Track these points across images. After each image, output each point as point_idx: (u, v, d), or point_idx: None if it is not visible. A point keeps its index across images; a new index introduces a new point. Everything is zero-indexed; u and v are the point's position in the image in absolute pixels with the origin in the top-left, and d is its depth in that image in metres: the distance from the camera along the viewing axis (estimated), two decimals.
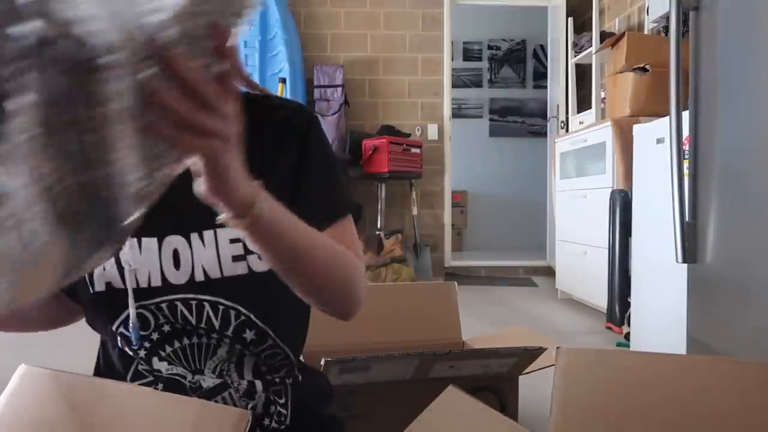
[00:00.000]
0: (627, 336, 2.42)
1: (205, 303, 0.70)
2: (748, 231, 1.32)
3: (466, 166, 6.32)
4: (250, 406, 0.75)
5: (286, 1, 4.40)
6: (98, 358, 0.83)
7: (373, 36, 4.67)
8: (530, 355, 1.25)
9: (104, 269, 0.70)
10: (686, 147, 1.56)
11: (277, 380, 0.79)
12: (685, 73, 1.55)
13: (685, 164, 1.55)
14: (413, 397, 1.29)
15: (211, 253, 0.70)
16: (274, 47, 4.18)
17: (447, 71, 4.73)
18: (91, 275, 0.71)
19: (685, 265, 1.58)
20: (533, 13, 5.57)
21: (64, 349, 2.41)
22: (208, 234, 0.70)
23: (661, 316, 1.90)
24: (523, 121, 6.72)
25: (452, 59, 4.93)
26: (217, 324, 0.71)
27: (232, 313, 0.72)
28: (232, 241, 0.70)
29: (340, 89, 4.43)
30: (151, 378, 0.74)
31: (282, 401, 0.79)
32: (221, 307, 0.71)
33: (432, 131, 4.74)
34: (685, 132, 1.56)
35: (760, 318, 1.27)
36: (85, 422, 0.51)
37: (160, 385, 0.73)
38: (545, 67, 5.73)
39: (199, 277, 0.70)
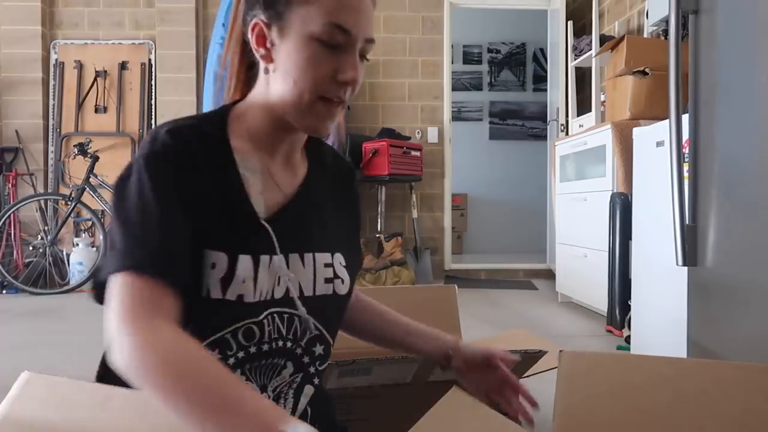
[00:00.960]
0: (627, 339, 2.42)
1: (295, 317, 0.78)
2: (748, 234, 1.33)
3: (466, 169, 6.32)
4: None
5: None
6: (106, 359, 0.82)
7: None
8: (531, 358, 1.25)
9: (243, 282, 0.72)
10: (686, 150, 1.56)
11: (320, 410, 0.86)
12: (684, 77, 1.55)
13: (685, 167, 1.56)
14: (413, 400, 1.29)
15: (309, 273, 0.80)
16: None
17: (447, 74, 4.74)
18: (227, 282, 0.71)
19: (686, 268, 1.58)
20: (533, 17, 5.58)
21: (65, 353, 2.41)
22: (308, 257, 0.80)
23: (662, 319, 1.90)
24: (523, 124, 6.73)
25: (452, 62, 4.94)
26: (298, 333, 0.79)
27: (312, 325, 0.80)
28: (326, 265, 0.82)
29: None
30: None
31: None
32: (303, 319, 0.79)
33: (432, 134, 4.75)
34: (685, 135, 1.56)
35: (761, 321, 1.27)
36: (87, 429, 0.51)
37: None
38: (545, 71, 5.73)
39: (294, 293, 0.78)
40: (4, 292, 3.98)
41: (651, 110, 2.89)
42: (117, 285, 0.64)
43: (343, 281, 0.83)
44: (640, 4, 3.85)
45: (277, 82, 0.76)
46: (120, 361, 0.58)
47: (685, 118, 1.56)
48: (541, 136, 5.97)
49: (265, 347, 0.76)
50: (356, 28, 0.73)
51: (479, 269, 4.89)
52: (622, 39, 3.06)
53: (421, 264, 4.45)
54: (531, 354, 1.23)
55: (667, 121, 1.59)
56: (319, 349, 0.81)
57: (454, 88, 5.56)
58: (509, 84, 6.75)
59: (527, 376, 1.35)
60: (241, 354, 0.75)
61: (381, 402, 1.26)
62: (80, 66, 4.57)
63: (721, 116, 1.43)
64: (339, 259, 0.84)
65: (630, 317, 2.32)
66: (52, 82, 4.58)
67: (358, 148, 4.31)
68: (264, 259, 0.75)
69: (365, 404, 1.26)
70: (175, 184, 0.70)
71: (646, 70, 2.92)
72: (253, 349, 0.75)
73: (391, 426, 1.27)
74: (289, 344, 0.79)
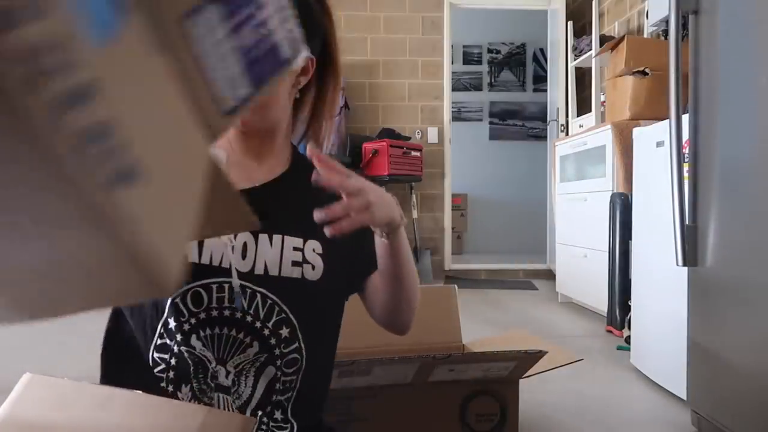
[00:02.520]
0: (627, 339, 2.42)
1: (258, 293, 0.80)
2: (748, 234, 1.33)
3: (466, 170, 6.32)
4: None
5: None
6: (108, 339, 0.86)
7: (373, 39, 4.68)
8: (531, 358, 1.25)
9: (213, 245, 0.77)
10: (686, 150, 1.56)
11: (282, 395, 0.85)
12: (684, 77, 1.55)
13: (685, 167, 1.56)
14: (413, 400, 1.29)
15: (276, 253, 0.82)
16: None
17: (447, 74, 4.74)
18: (201, 245, 0.77)
19: (686, 268, 1.58)
20: (533, 17, 5.58)
21: (65, 354, 2.41)
22: (276, 237, 0.82)
23: (662, 320, 1.90)
24: (523, 125, 6.73)
25: (452, 63, 4.94)
26: (261, 314, 0.81)
27: (276, 308, 0.82)
28: (295, 249, 0.83)
29: (340, 92, 4.43)
30: (163, 366, 0.80)
31: (280, 416, 0.85)
32: (269, 301, 0.81)
33: (432, 134, 4.75)
34: (685, 135, 1.56)
35: (761, 320, 1.27)
36: (88, 429, 0.52)
37: (173, 361, 0.79)
38: (545, 71, 5.73)
39: (259, 270, 0.80)
40: None
41: (651, 110, 2.89)
42: None
43: (313, 267, 0.84)
44: (640, 4, 3.86)
45: None
46: None
47: (685, 118, 1.56)
48: (541, 137, 5.97)
49: (214, 313, 0.79)
50: None
51: (479, 269, 4.89)
52: (622, 39, 3.06)
53: (421, 264, 4.45)
54: (531, 354, 1.23)
55: (667, 121, 1.59)
56: (285, 332, 0.82)
57: (454, 89, 5.56)
58: (509, 84, 6.75)
59: (527, 377, 1.35)
60: (193, 320, 0.78)
61: (381, 402, 1.26)
62: None
63: (721, 116, 1.43)
64: (313, 245, 0.85)
65: (630, 317, 2.32)
66: None
67: (358, 148, 4.31)
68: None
69: (365, 404, 1.26)
70: None
71: (646, 70, 2.92)
72: (202, 315, 0.78)
73: (392, 425, 1.28)
74: (256, 323, 0.81)
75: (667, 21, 2.09)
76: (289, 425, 0.86)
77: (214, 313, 0.79)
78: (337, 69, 0.94)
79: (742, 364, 1.35)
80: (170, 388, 0.79)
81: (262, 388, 0.82)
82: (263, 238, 0.82)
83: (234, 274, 0.78)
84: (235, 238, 0.79)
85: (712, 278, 1.48)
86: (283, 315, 0.83)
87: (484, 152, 6.69)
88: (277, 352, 0.83)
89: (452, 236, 4.96)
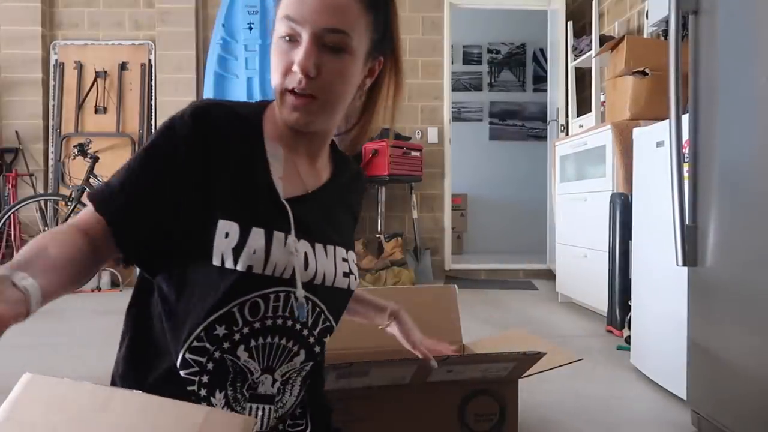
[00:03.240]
0: (627, 339, 2.42)
1: (311, 302, 0.82)
2: (748, 234, 1.33)
3: (466, 170, 6.32)
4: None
5: None
6: (130, 342, 0.82)
7: None
8: (529, 359, 1.25)
9: (254, 252, 0.75)
10: (686, 150, 1.56)
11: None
12: (684, 77, 1.55)
13: (685, 167, 1.56)
14: (412, 401, 1.29)
15: (331, 263, 0.84)
16: None
17: (447, 75, 4.74)
18: (238, 252, 0.75)
19: (686, 268, 1.58)
20: (533, 17, 5.58)
21: (66, 354, 2.41)
22: (330, 248, 0.85)
23: (662, 320, 1.90)
24: (523, 125, 6.73)
25: (452, 63, 4.94)
26: (310, 322, 0.82)
27: (323, 316, 0.84)
28: (343, 260, 0.86)
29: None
30: (196, 368, 0.77)
31: (299, 411, 0.88)
32: (318, 309, 0.83)
33: (432, 134, 4.75)
34: (685, 135, 1.56)
35: (761, 320, 1.27)
36: (90, 430, 0.51)
37: (210, 366, 0.77)
38: (545, 71, 5.73)
39: (318, 280, 0.82)
40: None
41: (651, 110, 2.89)
42: (86, 208, 0.77)
43: (356, 278, 0.88)
44: (640, 4, 3.86)
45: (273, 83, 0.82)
46: None
47: (685, 118, 1.56)
48: (541, 137, 5.97)
49: (269, 322, 0.78)
50: (302, 16, 0.75)
51: (479, 269, 4.89)
52: (622, 39, 3.06)
53: (421, 264, 4.45)
54: (529, 356, 1.23)
55: (667, 121, 1.59)
56: (326, 339, 0.86)
57: (454, 89, 5.56)
58: (509, 84, 6.75)
59: (527, 376, 1.35)
60: (246, 330, 0.77)
61: (379, 402, 1.26)
62: (80, 66, 4.57)
63: (721, 116, 1.43)
64: (352, 256, 0.89)
65: (630, 317, 2.32)
66: (52, 83, 4.58)
67: None
68: (278, 235, 0.77)
69: (364, 405, 1.26)
70: (173, 157, 0.76)
71: (646, 70, 2.92)
72: (257, 324, 0.78)
73: (391, 425, 1.28)
74: (303, 331, 0.82)
75: (667, 21, 2.09)
76: (304, 421, 0.89)
77: (269, 322, 0.78)
78: (401, 70, 0.94)
79: (742, 364, 1.35)
80: (203, 392, 0.77)
81: (302, 392, 0.85)
82: (319, 248, 0.83)
83: (299, 284, 0.78)
84: (296, 250, 0.79)
85: (712, 278, 1.48)
86: (328, 323, 0.85)
87: (484, 152, 6.69)
88: (319, 359, 0.86)
89: (452, 236, 4.96)
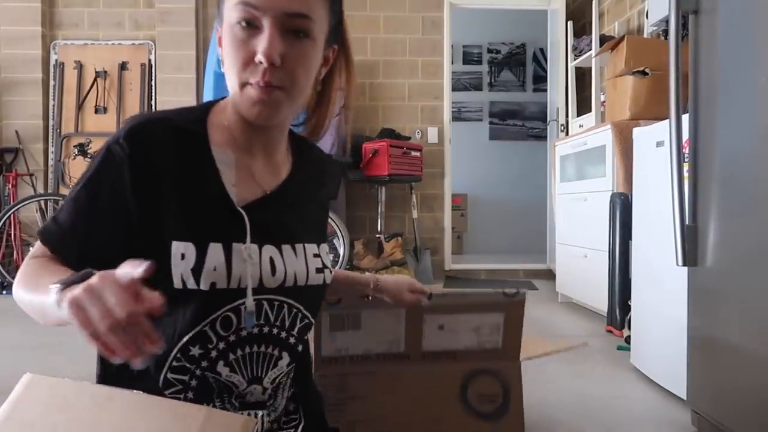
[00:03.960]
0: (627, 339, 2.42)
1: (285, 305, 0.80)
2: (748, 234, 1.33)
3: (466, 170, 6.32)
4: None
5: None
6: (104, 362, 0.81)
7: (373, 39, 4.68)
8: (515, 305, 1.27)
9: (214, 269, 0.72)
10: (686, 150, 1.56)
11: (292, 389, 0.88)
12: (684, 77, 1.55)
13: (685, 167, 1.56)
14: (412, 378, 1.29)
15: (301, 263, 0.81)
16: None
17: (447, 74, 4.74)
18: (198, 272, 0.72)
19: (686, 268, 1.58)
20: (533, 17, 5.58)
21: (66, 354, 2.41)
22: (299, 247, 0.81)
23: (662, 319, 1.90)
24: (523, 125, 6.73)
25: (452, 62, 4.94)
26: (287, 323, 0.80)
27: (299, 315, 0.82)
28: (315, 255, 0.83)
29: (340, 92, 4.43)
30: (180, 387, 0.76)
31: (292, 407, 0.88)
32: (294, 310, 0.81)
33: (432, 134, 4.75)
34: (685, 135, 1.56)
35: (761, 320, 1.27)
36: (90, 430, 0.52)
37: (194, 383, 0.76)
38: (545, 71, 5.73)
39: (290, 283, 0.79)
40: (4, 292, 3.98)
41: (651, 110, 2.89)
42: (36, 244, 0.76)
43: (331, 270, 0.86)
44: (640, 4, 3.86)
45: (227, 75, 0.77)
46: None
47: (685, 118, 1.56)
48: (541, 136, 5.97)
49: (243, 333, 0.76)
50: (263, 2, 0.70)
51: (479, 269, 4.88)
52: (622, 39, 3.06)
53: (421, 264, 4.45)
54: (509, 295, 1.25)
55: (667, 121, 1.59)
56: (307, 336, 0.85)
57: (454, 89, 5.56)
58: (509, 84, 6.74)
59: (529, 359, 1.35)
60: (221, 345, 0.75)
61: (377, 380, 1.26)
62: (80, 66, 4.57)
63: (721, 116, 1.43)
64: (325, 249, 0.87)
65: (630, 317, 2.32)
66: (52, 83, 4.58)
67: (358, 148, 4.31)
68: (238, 247, 0.74)
69: (361, 382, 1.26)
70: (118, 184, 0.72)
71: (646, 70, 2.92)
72: (232, 338, 0.76)
73: (387, 402, 1.27)
74: (281, 333, 0.80)
75: (667, 21, 2.09)
76: (298, 415, 0.88)
77: (243, 333, 0.77)
78: (352, 59, 0.90)
79: (742, 363, 1.35)
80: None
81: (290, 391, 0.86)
82: (287, 249, 0.80)
83: (249, 293, 0.75)
84: (250, 256, 0.76)
85: (712, 278, 1.48)
86: (306, 321, 0.84)
87: (484, 152, 6.68)
88: (302, 358, 0.86)
89: (452, 236, 4.96)
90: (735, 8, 1.38)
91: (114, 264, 0.64)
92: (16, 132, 4.47)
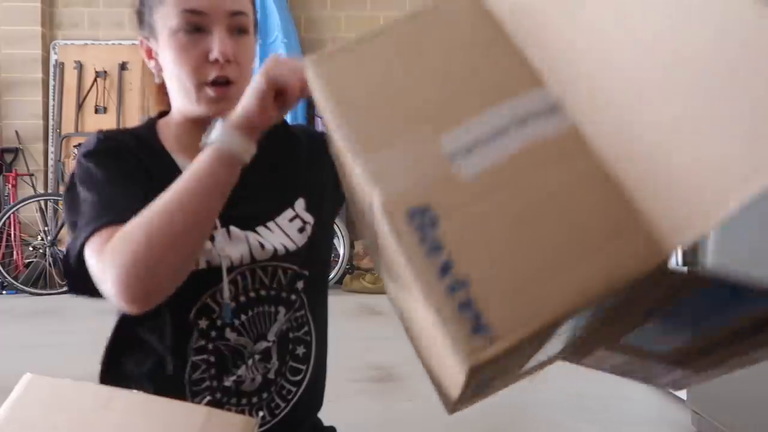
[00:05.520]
0: None
1: (279, 268, 0.82)
2: (748, 233, 1.33)
3: None
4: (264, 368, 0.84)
5: (286, 5, 4.41)
6: (114, 343, 0.84)
7: None
8: None
9: (209, 249, 0.76)
10: None
11: (299, 350, 0.87)
12: None
13: None
14: None
15: (280, 235, 0.82)
16: (275, 51, 4.19)
17: None
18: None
19: (685, 268, 1.58)
20: None
21: (66, 354, 2.41)
22: (272, 224, 0.83)
23: None
24: None
25: None
26: (285, 282, 0.83)
27: (294, 273, 0.84)
28: (291, 219, 0.84)
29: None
30: (204, 366, 0.79)
31: (295, 380, 0.87)
32: (290, 271, 0.84)
33: None
34: None
35: None
36: (90, 430, 0.52)
37: (212, 359, 0.79)
38: None
39: (281, 252, 0.81)
40: (4, 292, 3.98)
41: None
42: (92, 243, 0.66)
43: (311, 223, 0.86)
44: None
45: (170, 85, 0.81)
46: (108, 276, 0.62)
47: None
48: None
49: (242, 299, 0.80)
50: (210, 7, 0.75)
51: None
52: None
53: None
54: None
55: None
56: (300, 285, 0.85)
57: None
58: None
59: None
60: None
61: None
62: (80, 66, 4.57)
63: None
64: (301, 204, 0.86)
65: None
66: (52, 83, 4.58)
67: None
68: (221, 230, 0.78)
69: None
70: (118, 168, 0.76)
71: None
72: (233, 305, 0.80)
73: None
74: (282, 294, 0.83)
75: None
76: (306, 364, 0.87)
77: (242, 299, 0.80)
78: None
79: None
80: (215, 384, 0.80)
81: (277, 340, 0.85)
82: (263, 229, 0.82)
83: (225, 286, 0.77)
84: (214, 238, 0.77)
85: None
86: (303, 274, 0.86)
87: None
88: (297, 305, 0.86)
89: None
90: None
91: None
92: (16, 132, 4.47)
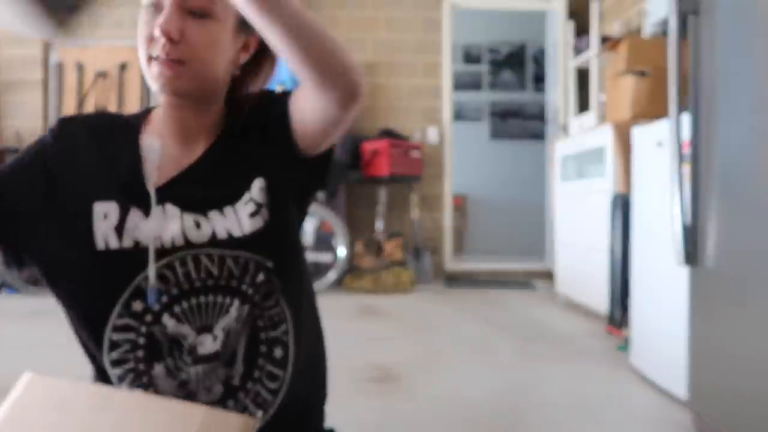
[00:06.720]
0: (627, 339, 2.42)
1: (227, 257, 0.79)
2: (748, 233, 1.33)
3: (466, 170, 6.32)
4: (226, 375, 0.81)
5: None
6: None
7: (373, 39, 4.68)
8: None
9: (135, 226, 0.78)
10: (686, 150, 1.56)
11: (276, 352, 0.83)
12: (684, 77, 1.55)
13: (685, 167, 1.56)
14: None
15: (231, 220, 0.80)
16: None
17: (447, 74, 4.74)
18: (120, 230, 0.78)
19: (686, 268, 1.58)
20: (533, 17, 5.58)
21: (66, 354, 2.41)
22: (227, 209, 0.81)
23: (662, 319, 1.90)
24: (524, 125, 6.73)
25: (452, 62, 4.94)
26: (237, 273, 0.80)
27: (250, 263, 0.80)
28: (246, 203, 0.81)
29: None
30: (127, 347, 0.78)
31: (272, 386, 0.82)
32: (242, 259, 0.80)
33: (432, 134, 4.75)
34: (686, 135, 1.56)
35: (761, 320, 1.27)
36: (89, 430, 0.52)
37: (141, 341, 0.78)
38: (545, 71, 5.73)
39: (222, 236, 0.79)
40: (4, 292, 3.98)
41: (651, 110, 2.89)
42: None
43: (267, 206, 0.82)
44: (640, 4, 3.85)
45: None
46: None
47: (685, 118, 1.56)
48: (542, 137, 5.97)
49: (186, 286, 0.78)
50: None
51: (479, 270, 4.89)
52: (622, 39, 3.06)
53: (421, 264, 4.45)
54: None
55: (667, 121, 1.59)
56: (260, 277, 0.81)
57: (455, 89, 5.56)
58: (509, 84, 6.74)
59: None
60: (164, 298, 0.78)
61: None
62: (80, 67, 4.57)
63: (722, 116, 1.43)
64: (259, 184, 0.83)
65: (630, 317, 2.32)
66: (52, 83, 4.58)
67: (358, 148, 4.31)
68: (157, 210, 0.79)
69: None
70: (28, 154, 0.83)
71: (646, 70, 2.92)
72: (174, 291, 0.78)
73: None
74: (232, 282, 0.80)
75: (667, 21, 2.09)
76: (283, 371, 0.82)
77: (186, 286, 0.78)
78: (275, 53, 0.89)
79: (742, 363, 1.35)
80: (141, 366, 0.78)
81: (246, 333, 0.81)
82: (214, 214, 0.81)
83: (151, 267, 0.77)
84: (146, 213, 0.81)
85: (713, 278, 1.48)
86: (257, 263, 0.81)
87: (485, 152, 6.68)
88: (257, 299, 0.81)
89: (452, 236, 4.96)
90: (735, 8, 1.38)
91: (28, 219, 0.79)
92: (17, 132, 4.47)
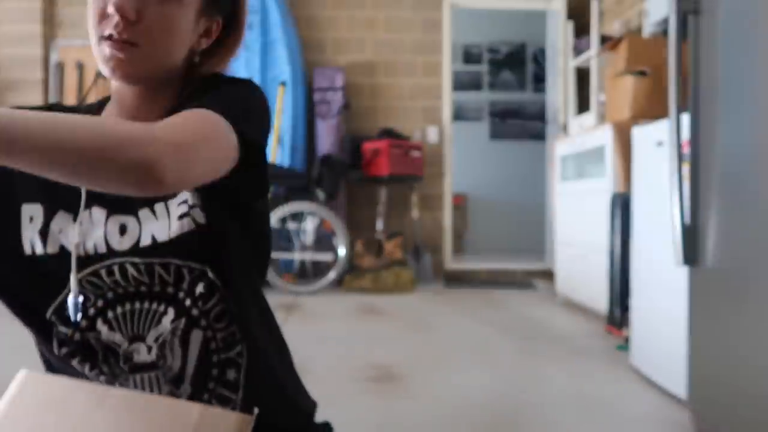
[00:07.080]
0: (627, 339, 2.42)
1: (155, 264, 0.73)
2: (748, 233, 1.32)
3: (466, 169, 6.32)
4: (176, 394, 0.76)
5: (287, 4, 4.40)
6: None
7: (373, 39, 4.68)
8: None
9: (60, 231, 0.73)
10: (686, 150, 1.56)
11: (229, 374, 0.77)
12: (684, 77, 1.55)
13: (685, 167, 1.55)
14: None
15: (162, 222, 0.73)
16: (275, 50, 4.19)
17: (447, 74, 4.74)
18: (45, 234, 0.73)
19: (686, 267, 1.58)
20: (533, 17, 5.58)
21: None
22: (159, 206, 0.74)
23: (662, 319, 1.90)
24: (524, 125, 6.73)
25: (452, 62, 4.94)
26: (171, 280, 0.74)
27: (182, 269, 0.74)
28: (181, 203, 0.74)
29: (340, 92, 4.44)
30: (69, 347, 0.75)
31: (233, 376, 0.77)
32: (173, 266, 0.74)
33: (432, 134, 4.74)
34: (685, 135, 1.56)
35: (761, 320, 1.27)
36: (85, 428, 0.51)
37: (77, 359, 0.74)
38: (545, 71, 5.73)
39: (145, 242, 0.73)
40: None
41: (651, 110, 2.89)
42: None
43: (201, 207, 0.73)
44: (640, 4, 3.85)
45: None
46: None
47: (685, 118, 1.56)
48: (541, 136, 5.97)
49: (120, 290, 0.74)
50: None
51: (479, 269, 4.88)
52: (622, 39, 3.06)
53: (421, 264, 4.45)
54: None
55: (667, 120, 1.59)
56: (200, 288, 0.74)
57: (454, 88, 5.56)
58: (509, 84, 6.74)
59: None
60: (100, 302, 0.74)
61: None
62: (80, 66, 4.57)
63: (722, 116, 1.43)
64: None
65: (630, 317, 2.32)
66: (52, 83, 4.58)
67: (358, 148, 4.31)
68: (84, 214, 0.74)
69: None
70: None
71: (646, 70, 2.92)
72: (110, 295, 0.74)
73: None
74: (168, 289, 0.74)
75: (666, 21, 2.09)
76: (236, 393, 0.77)
77: (120, 290, 0.74)
78: (240, 37, 0.84)
79: (742, 363, 1.35)
80: (86, 370, 0.75)
81: (195, 354, 0.75)
82: (145, 213, 0.74)
83: (73, 277, 0.72)
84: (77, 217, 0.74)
85: (713, 277, 1.48)
86: (196, 273, 0.74)
87: (485, 152, 6.68)
88: (195, 312, 0.75)
89: (452, 236, 4.96)
90: (735, 8, 1.38)
91: None
92: None
